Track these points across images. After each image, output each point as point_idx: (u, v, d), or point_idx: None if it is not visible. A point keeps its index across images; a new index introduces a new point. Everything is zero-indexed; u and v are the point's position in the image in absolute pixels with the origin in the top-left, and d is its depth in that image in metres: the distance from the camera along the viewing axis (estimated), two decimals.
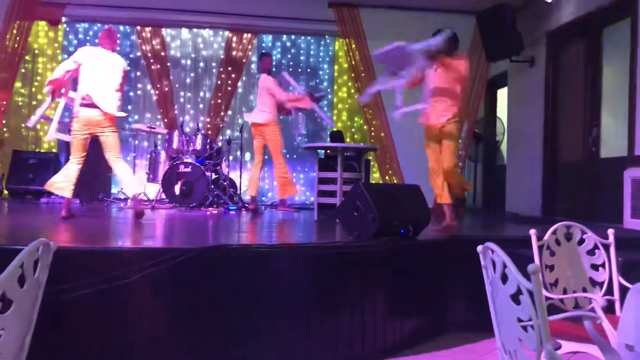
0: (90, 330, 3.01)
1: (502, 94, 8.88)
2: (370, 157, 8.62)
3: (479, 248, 1.72)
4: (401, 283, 3.71)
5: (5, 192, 8.10)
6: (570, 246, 2.56)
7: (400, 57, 4.70)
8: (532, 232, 2.44)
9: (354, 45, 8.07)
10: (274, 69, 7.26)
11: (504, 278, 1.54)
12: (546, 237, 2.51)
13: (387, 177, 8.36)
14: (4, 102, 7.70)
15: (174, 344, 3.12)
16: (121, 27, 8.94)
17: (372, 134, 8.41)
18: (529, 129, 7.54)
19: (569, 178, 6.82)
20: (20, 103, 8.82)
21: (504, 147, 8.84)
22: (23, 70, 8.55)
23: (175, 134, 7.54)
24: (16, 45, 7.52)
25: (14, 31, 7.46)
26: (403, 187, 5.42)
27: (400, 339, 3.69)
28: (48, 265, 1.60)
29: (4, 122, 8.15)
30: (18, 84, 8.49)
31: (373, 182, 8.72)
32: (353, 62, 8.21)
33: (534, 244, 2.45)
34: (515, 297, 1.48)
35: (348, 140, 9.17)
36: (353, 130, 9.41)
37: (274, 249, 3.41)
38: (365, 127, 8.74)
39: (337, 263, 3.50)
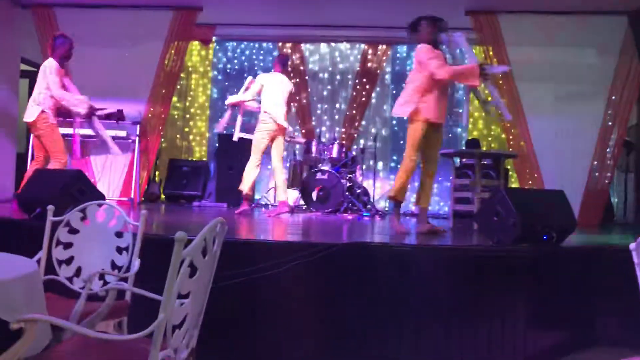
0: (240, 314, 3.28)
1: None
2: (509, 167, 8.33)
3: (632, 245, 1.67)
4: (544, 291, 3.58)
5: (162, 196, 8.96)
6: None
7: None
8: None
9: (491, 52, 7.89)
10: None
11: None
12: None
13: (526, 187, 8.02)
14: (162, 116, 8.54)
15: (314, 336, 3.29)
16: (264, 44, 9.54)
17: (511, 142, 8.13)
18: None
19: None
20: (176, 116, 9.73)
21: None
22: (178, 86, 9.42)
23: (313, 143, 7.89)
24: (174, 64, 8.32)
25: (172, 51, 8.25)
26: (546, 192, 5.20)
27: (543, 349, 3.56)
28: (221, 243, 1.82)
29: (161, 133, 9.03)
30: (175, 99, 9.37)
31: None
32: None
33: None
34: None
35: (484, 149, 8.94)
36: (490, 139, 9.16)
37: (413, 248, 3.47)
38: (503, 135, 8.47)
39: (477, 267, 3.48)
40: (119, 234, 2.58)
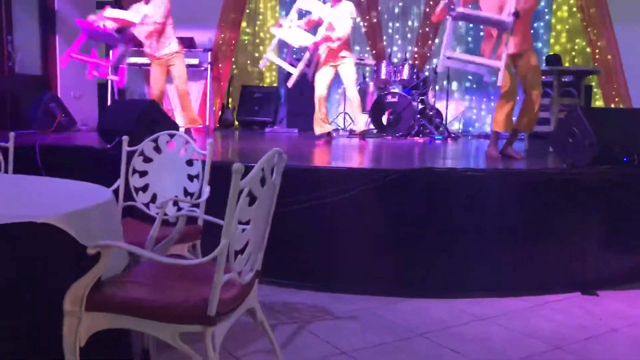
0: (307, 240, 3.39)
1: None
2: (593, 83, 7.82)
3: None
4: (621, 215, 3.44)
5: (236, 122, 9.17)
6: None
7: None
8: None
9: None
10: None
11: None
12: None
13: (612, 105, 7.54)
14: (233, 42, 8.57)
15: (377, 266, 3.34)
16: None
17: (597, 57, 7.57)
18: None
19: None
20: (246, 41, 9.73)
21: None
22: (247, 10, 9.36)
23: (383, 64, 7.69)
24: None
25: None
26: (629, 111, 4.88)
27: (616, 273, 3.47)
28: (281, 172, 1.87)
29: (232, 59, 9.10)
30: (244, 24, 9.34)
31: None
32: None
33: None
34: None
35: (567, 64, 8.39)
36: (573, 53, 8.56)
37: (481, 173, 3.40)
38: (588, 49, 7.90)
39: (549, 191, 3.38)
40: (189, 162, 2.70)
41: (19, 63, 6.76)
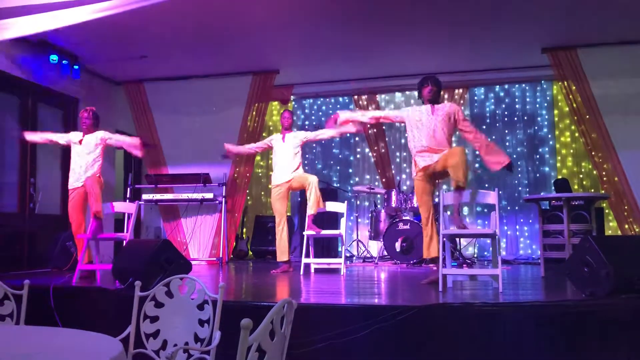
0: None
1: None
2: (604, 205, 7.86)
3: None
4: None
5: (250, 252, 9.20)
6: None
7: None
8: None
9: (574, 88, 7.60)
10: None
11: None
12: None
13: (626, 226, 7.49)
14: (247, 174, 8.86)
15: None
16: (340, 99, 9.76)
17: (604, 178, 7.68)
18: None
19: None
20: (260, 173, 10.06)
21: None
22: None
23: (393, 193, 7.85)
24: (255, 124, 8.68)
25: (254, 112, 8.64)
26: None
27: None
28: (291, 321, 1.85)
29: (247, 191, 9.35)
30: (258, 157, 9.71)
31: (609, 232, 7.92)
32: (574, 105, 7.69)
33: None
34: None
35: (576, 187, 8.51)
36: (581, 176, 8.72)
37: (497, 307, 3.33)
38: (595, 172, 8.03)
39: (570, 324, 3.27)
40: (200, 307, 2.68)
41: (39, 203, 7.01)
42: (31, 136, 6.11)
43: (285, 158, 6.42)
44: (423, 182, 5.05)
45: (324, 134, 6.40)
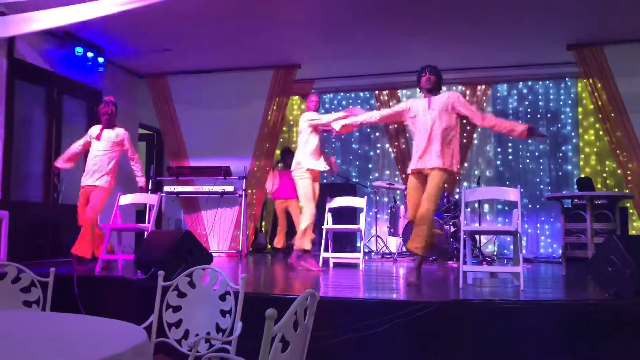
0: None
1: None
2: (629, 204, 7.74)
3: None
4: None
5: (269, 246, 9.23)
6: None
7: None
8: None
9: (599, 85, 7.48)
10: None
11: None
12: None
13: None
14: (267, 168, 8.89)
15: None
16: (361, 94, 9.74)
17: (629, 177, 7.54)
18: None
19: None
20: (280, 167, 10.08)
21: None
22: (281, 140, 9.80)
23: None
24: (276, 119, 8.71)
25: (274, 107, 8.66)
26: None
27: None
28: (314, 313, 1.86)
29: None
30: (277, 152, 9.74)
31: (632, 232, 7.79)
32: (599, 103, 7.57)
33: None
34: None
35: (599, 186, 8.39)
36: (604, 175, 8.59)
37: (518, 305, 3.30)
38: (619, 170, 7.90)
39: (592, 323, 3.23)
40: (222, 297, 2.70)
41: (63, 193, 7.12)
42: (61, 164, 6.09)
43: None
44: (415, 179, 4.85)
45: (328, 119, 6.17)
